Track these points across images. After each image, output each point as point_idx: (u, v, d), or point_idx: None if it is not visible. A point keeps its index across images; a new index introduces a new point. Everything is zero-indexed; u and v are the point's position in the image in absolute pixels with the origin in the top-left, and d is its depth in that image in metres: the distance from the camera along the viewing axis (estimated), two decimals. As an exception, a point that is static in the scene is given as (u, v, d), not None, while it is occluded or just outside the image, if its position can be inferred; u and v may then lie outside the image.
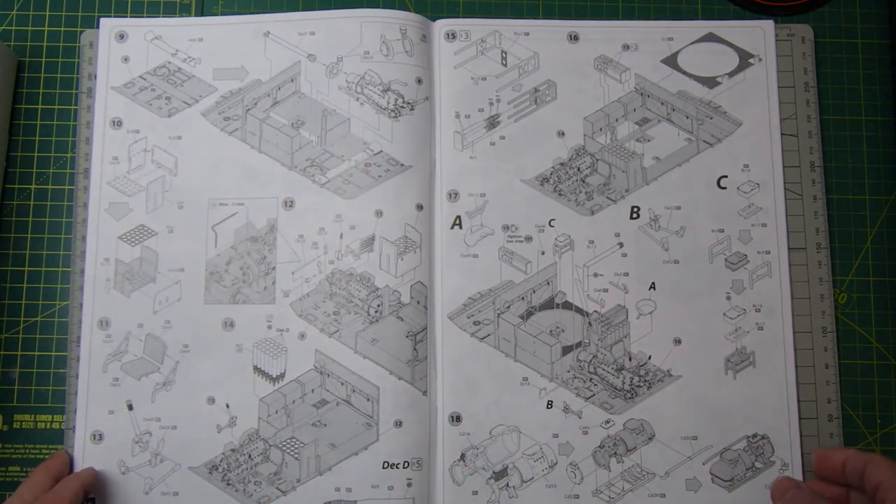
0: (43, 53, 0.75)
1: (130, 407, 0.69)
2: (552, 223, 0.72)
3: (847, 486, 0.64)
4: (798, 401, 0.70)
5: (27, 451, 0.70)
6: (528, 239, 0.71)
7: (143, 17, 0.75)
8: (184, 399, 0.69)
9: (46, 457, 0.69)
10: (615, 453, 0.69)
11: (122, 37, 0.73)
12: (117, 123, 0.72)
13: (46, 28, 0.75)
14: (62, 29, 0.75)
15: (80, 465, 0.68)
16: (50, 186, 0.73)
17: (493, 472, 0.68)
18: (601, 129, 0.73)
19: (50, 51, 0.75)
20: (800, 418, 0.70)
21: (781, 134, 0.73)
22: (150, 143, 0.72)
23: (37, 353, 0.71)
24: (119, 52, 0.73)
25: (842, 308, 0.73)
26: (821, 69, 0.76)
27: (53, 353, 0.71)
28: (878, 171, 0.75)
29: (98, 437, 0.68)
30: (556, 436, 0.69)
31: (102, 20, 0.74)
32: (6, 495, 0.69)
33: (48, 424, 0.70)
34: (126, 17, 0.75)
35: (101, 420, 0.68)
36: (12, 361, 0.71)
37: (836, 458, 0.64)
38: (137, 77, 0.73)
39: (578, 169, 0.72)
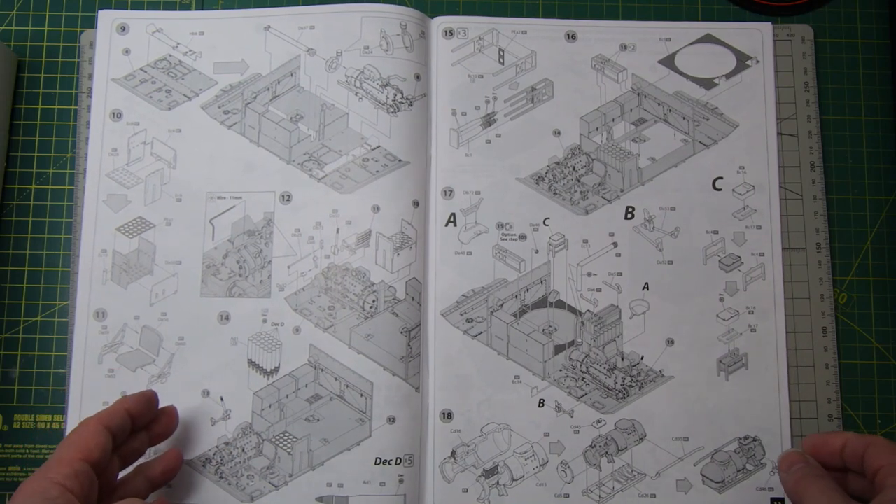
0: (43, 53, 0.75)
1: (126, 399, 0.69)
2: (546, 222, 0.72)
3: (845, 470, 0.63)
4: (790, 403, 0.70)
5: (27, 451, 0.70)
6: (523, 237, 0.71)
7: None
8: (178, 392, 0.69)
9: (47, 457, 0.64)
10: (606, 453, 0.69)
11: (123, 29, 0.74)
12: (117, 115, 0.73)
13: (46, 28, 0.76)
14: (62, 29, 0.76)
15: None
16: (50, 186, 0.74)
17: (484, 470, 0.68)
18: (597, 129, 0.73)
19: (50, 51, 0.75)
20: (800, 418, 0.70)
21: (781, 134, 0.73)
22: (150, 136, 0.73)
23: (37, 353, 0.71)
24: (120, 44, 0.74)
25: (842, 308, 0.73)
26: (821, 69, 0.75)
27: (53, 353, 0.71)
28: (878, 171, 0.75)
29: (93, 428, 0.69)
30: (547, 434, 0.69)
31: (101, 12, 0.74)
32: (6, 496, 0.69)
33: (48, 424, 0.71)
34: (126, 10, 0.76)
35: (96, 411, 0.69)
36: (12, 361, 0.71)
37: (835, 441, 0.63)
38: (138, 69, 0.73)
39: (574, 168, 0.72)
